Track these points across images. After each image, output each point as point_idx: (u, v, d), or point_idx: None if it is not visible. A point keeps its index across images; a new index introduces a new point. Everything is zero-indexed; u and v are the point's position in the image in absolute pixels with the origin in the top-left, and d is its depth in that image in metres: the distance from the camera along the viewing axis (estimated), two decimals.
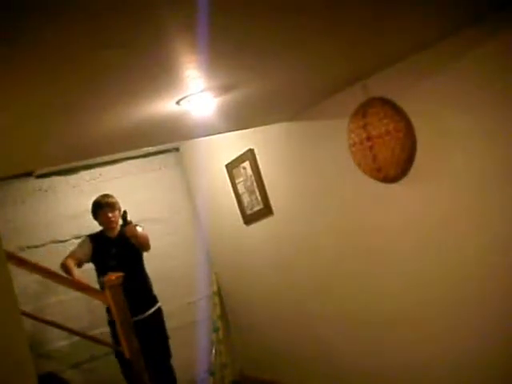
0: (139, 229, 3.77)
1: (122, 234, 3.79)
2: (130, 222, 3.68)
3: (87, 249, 3.84)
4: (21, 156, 2.51)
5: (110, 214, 3.80)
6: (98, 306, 3.70)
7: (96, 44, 1.41)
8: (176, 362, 4.00)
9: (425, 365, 2.89)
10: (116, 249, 3.81)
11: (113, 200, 3.85)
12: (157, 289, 4.01)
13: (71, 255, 3.77)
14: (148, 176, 4.76)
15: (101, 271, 3.71)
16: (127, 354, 3.43)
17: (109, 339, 3.74)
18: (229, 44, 1.70)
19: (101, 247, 3.85)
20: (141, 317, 3.77)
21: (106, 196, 3.86)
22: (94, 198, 3.88)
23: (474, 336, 2.60)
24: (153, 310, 3.89)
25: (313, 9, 1.59)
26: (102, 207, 3.81)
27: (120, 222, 3.82)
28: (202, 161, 4.67)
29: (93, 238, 3.90)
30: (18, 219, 4.05)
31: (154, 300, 3.94)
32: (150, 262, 4.02)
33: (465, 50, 2.37)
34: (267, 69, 2.17)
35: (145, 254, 3.96)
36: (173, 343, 3.99)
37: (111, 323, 3.70)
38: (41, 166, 3.77)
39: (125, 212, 3.66)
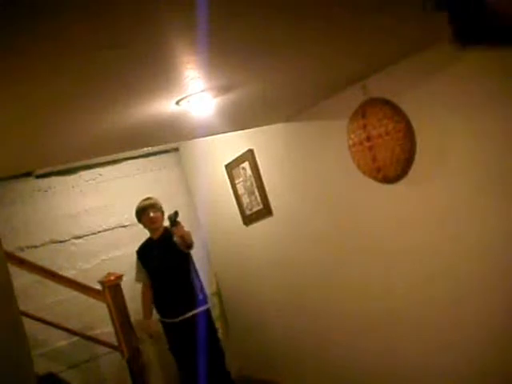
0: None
1: (165, 235, 3.76)
2: (179, 223, 3.57)
3: (140, 267, 3.88)
4: (21, 156, 2.51)
5: (152, 214, 3.78)
6: (97, 306, 3.69)
7: (96, 44, 1.41)
8: None
9: (425, 364, 2.90)
10: (158, 250, 3.80)
11: (154, 201, 3.85)
12: None
13: (141, 284, 3.88)
14: (148, 176, 4.75)
15: (148, 273, 3.80)
16: (126, 354, 3.44)
17: (110, 339, 3.74)
18: (228, 44, 1.71)
19: (145, 251, 3.88)
20: (181, 318, 3.68)
21: (148, 198, 3.87)
22: (93, 198, 3.85)
23: (473, 335, 2.60)
24: (196, 311, 3.70)
25: (312, 9, 1.60)
26: (144, 209, 3.80)
27: (166, 223, 3.75)
28: (201, 161, 4.66)
29: (139, 250, 3.93)
30: (18, 219, 4.05)
31: (201, 301, 3.76)
32: None
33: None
34: (267, 69, 2.17)
35: None
36: None
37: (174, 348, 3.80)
38: (41, 166, 3.77)
39: (176, 213, 3.54)
